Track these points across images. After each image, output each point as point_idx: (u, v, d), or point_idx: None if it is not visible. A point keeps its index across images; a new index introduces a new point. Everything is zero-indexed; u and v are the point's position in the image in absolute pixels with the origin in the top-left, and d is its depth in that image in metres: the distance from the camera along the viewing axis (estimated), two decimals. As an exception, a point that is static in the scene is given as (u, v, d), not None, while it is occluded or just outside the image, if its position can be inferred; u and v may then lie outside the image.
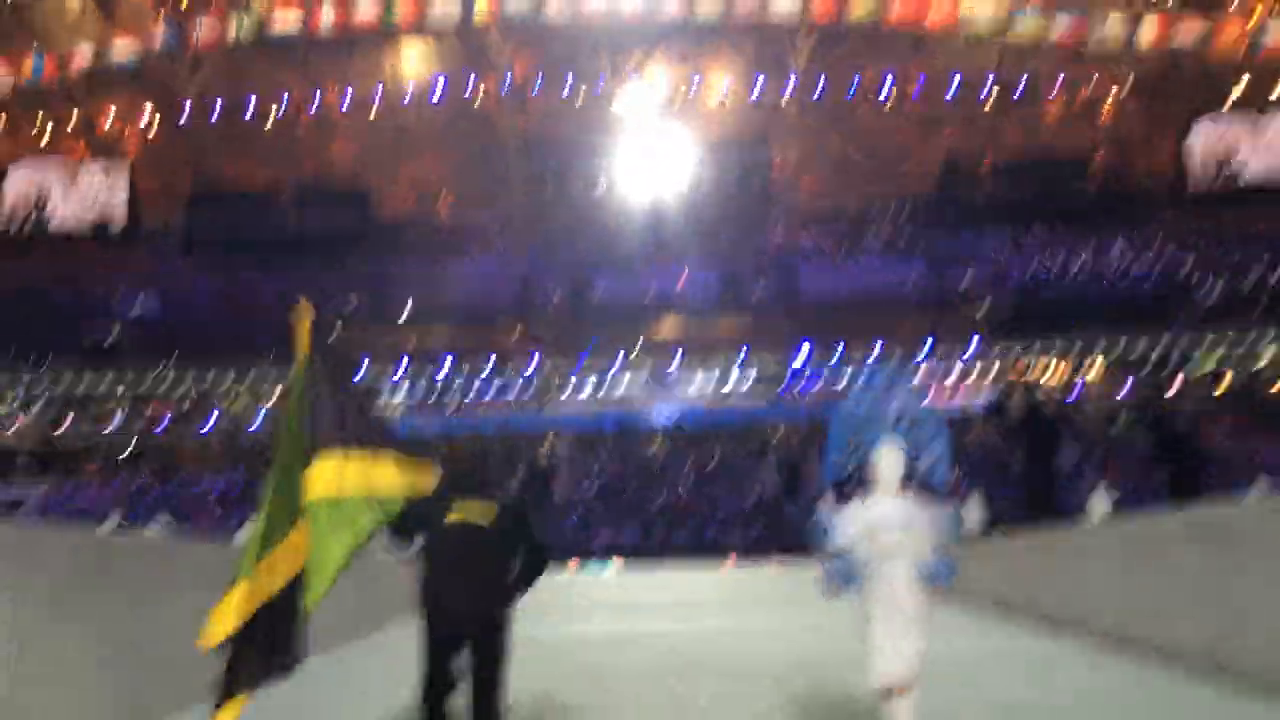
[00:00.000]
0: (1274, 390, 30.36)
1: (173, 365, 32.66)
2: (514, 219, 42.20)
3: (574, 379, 32.85)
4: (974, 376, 33.00)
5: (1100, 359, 32.79)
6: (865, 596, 4.36)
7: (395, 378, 32.83)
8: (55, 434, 31.90)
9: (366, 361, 30.71)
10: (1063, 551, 8.80)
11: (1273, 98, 38.95)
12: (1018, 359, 32.94)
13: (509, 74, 41.96)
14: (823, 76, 42.53)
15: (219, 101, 41.17)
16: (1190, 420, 27.80)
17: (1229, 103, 39.49)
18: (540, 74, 42.28)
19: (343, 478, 4.05)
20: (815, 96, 42.79)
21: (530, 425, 31.59)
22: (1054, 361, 33.08)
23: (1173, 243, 36.51)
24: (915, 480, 4.56)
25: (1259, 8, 37.82)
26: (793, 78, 42.63)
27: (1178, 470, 11.20)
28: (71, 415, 32.09)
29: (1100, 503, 13.58)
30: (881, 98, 42.84)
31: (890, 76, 42.58)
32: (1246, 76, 38.99)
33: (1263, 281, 33.51)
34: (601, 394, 32.65)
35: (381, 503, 4.14)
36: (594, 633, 9.21)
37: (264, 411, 31.72)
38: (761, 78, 43.07)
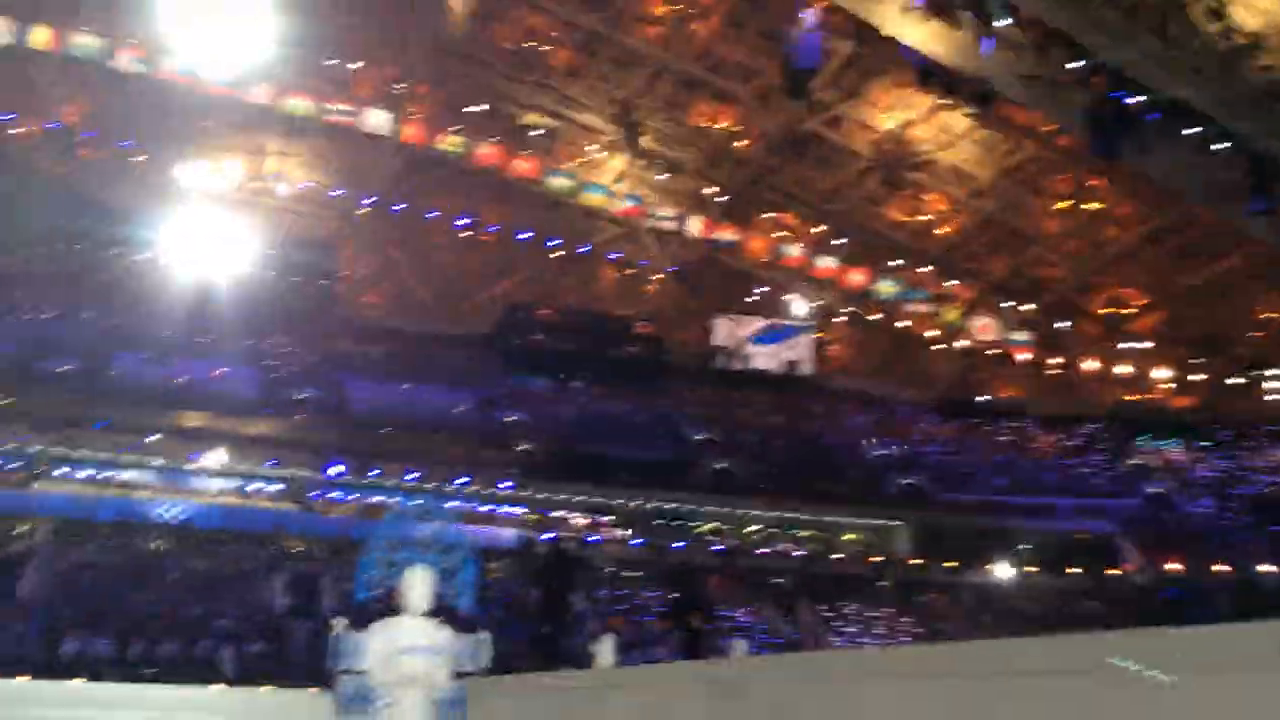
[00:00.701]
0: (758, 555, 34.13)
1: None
2: (36, 272, 37.46)
3: (71, 460, 29.15)
4: (505, 513, 33.91)
5: (619, 512, 35.03)
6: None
7: None
8: None
9: None
10: (576, 697, 9.02)
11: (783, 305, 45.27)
12: (549, 502, 34.30)
13: (57, 114, 37.92)
14: (403, 199, 43.06)
15: None
16: (692, 578, 30.64)
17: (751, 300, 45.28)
18: (96, 124, 38.66)
19: None
20: (393, 216, 43.13)
21: (8, 505, 27.37)
22: (581, 508, 34.85)
23: (694, 413, 40.63)
24: (443, 607, 4.48)
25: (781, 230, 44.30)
26: (372, 193, 42.72)
27: (682, 622, 12.02)
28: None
29: (606, 649, 14.00)
30: (457, 232, 44.12)
31: (468, 216, 44.10)
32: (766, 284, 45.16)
33: (758, 458, 38.13)
34: (102, 479, 29.20)
35: None
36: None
37: None
38: (343, 186, 42.71)
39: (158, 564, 26.22)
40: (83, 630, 22.43)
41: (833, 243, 43.10)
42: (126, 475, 29.27)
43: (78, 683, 19.09)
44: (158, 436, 30.09)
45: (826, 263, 43.25)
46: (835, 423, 42.13)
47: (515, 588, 26.87)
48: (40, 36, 35.00)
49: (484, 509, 33.55)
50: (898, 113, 38.64)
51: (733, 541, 34.84)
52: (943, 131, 38.80)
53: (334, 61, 38.78)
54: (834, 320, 45.85)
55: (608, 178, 43.19)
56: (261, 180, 41.54)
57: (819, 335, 45.53)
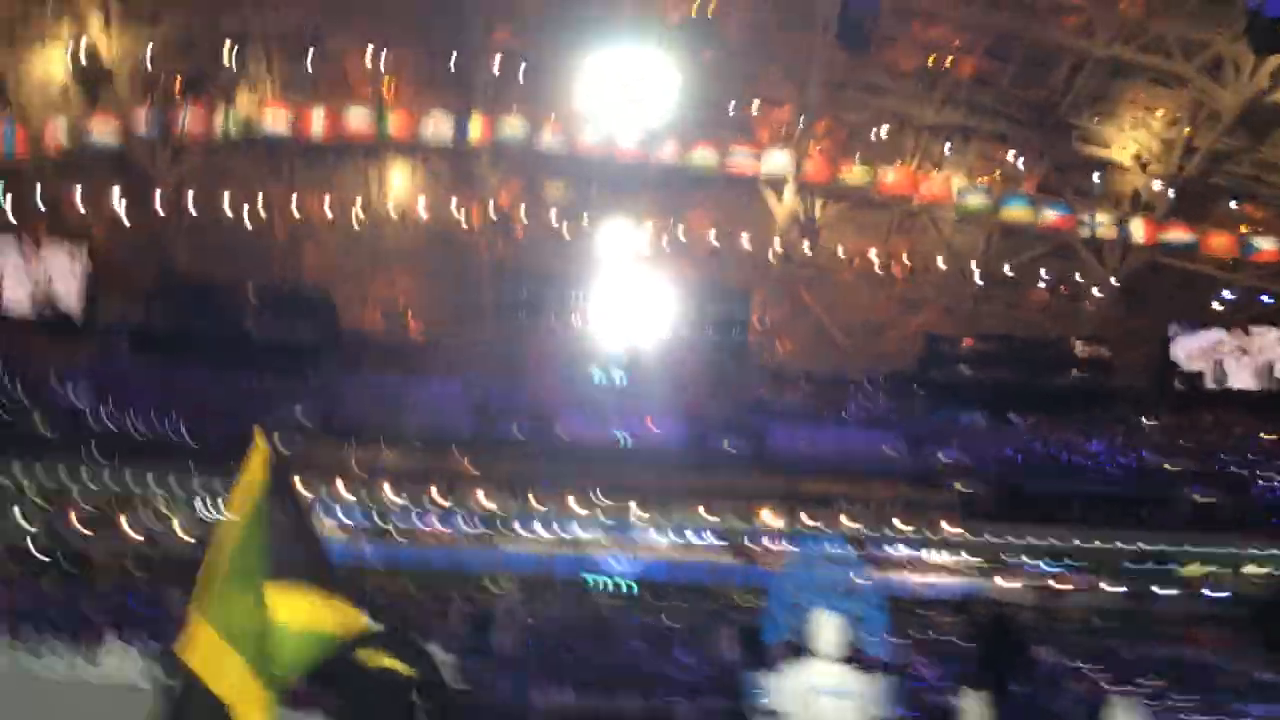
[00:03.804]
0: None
1: (104, 463, 30.23)
2: (482, 346, 40.84)
3: (525, 518, 30.86)
4: (945, 561, 31.51)
5: (1082, 555, 31.27)
6: None
7: (341, 499, 30.66)
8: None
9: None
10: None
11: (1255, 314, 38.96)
12: (992, 550, 31.40)
13: (494, 199, 41.31)
14: (810, 237, 42.33)
15: (193, 195, 39.95)
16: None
17: (1214, 311, 39.48)
18: (525, 202, 41.72)
19: (297, 610, 4.01)
20: (801, 257, 42.52)
21: (477, 563, 29.37)
22: (1037, 553, 31.49)
23: (1157, 441, 35.79)
24: (853, 651, 4.49)
25: (1244, 225, 38.23)
26: (777, 238, 42.39)
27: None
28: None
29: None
30: (867, 266, 42.60)
31: (876, 249, 42.50)
32: (1230, 288, 39.16)
33: (1245, 489, 32.62)
34: (555, 537, 30.60)
35: (320, 641, 4.03)
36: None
37: (183, 523, 29.29)
38: (749, 233, 42.82)
39: (613, 619, 26.71)
40: (549, 684, 23.07)
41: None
42: (579, 532, 30.44)
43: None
44: (603, 495, 31.11)
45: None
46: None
47: (958, 641, 24.45)
48: (476, 128, 38.24)
49: (923, 554, 31.45)
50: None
51: (1227, 585, 29.81)
52: None
53: (733, 110, 39.04)
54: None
55: (1029, 187, 39.69)
56: (671, 236, 42.56)
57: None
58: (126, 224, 40.13)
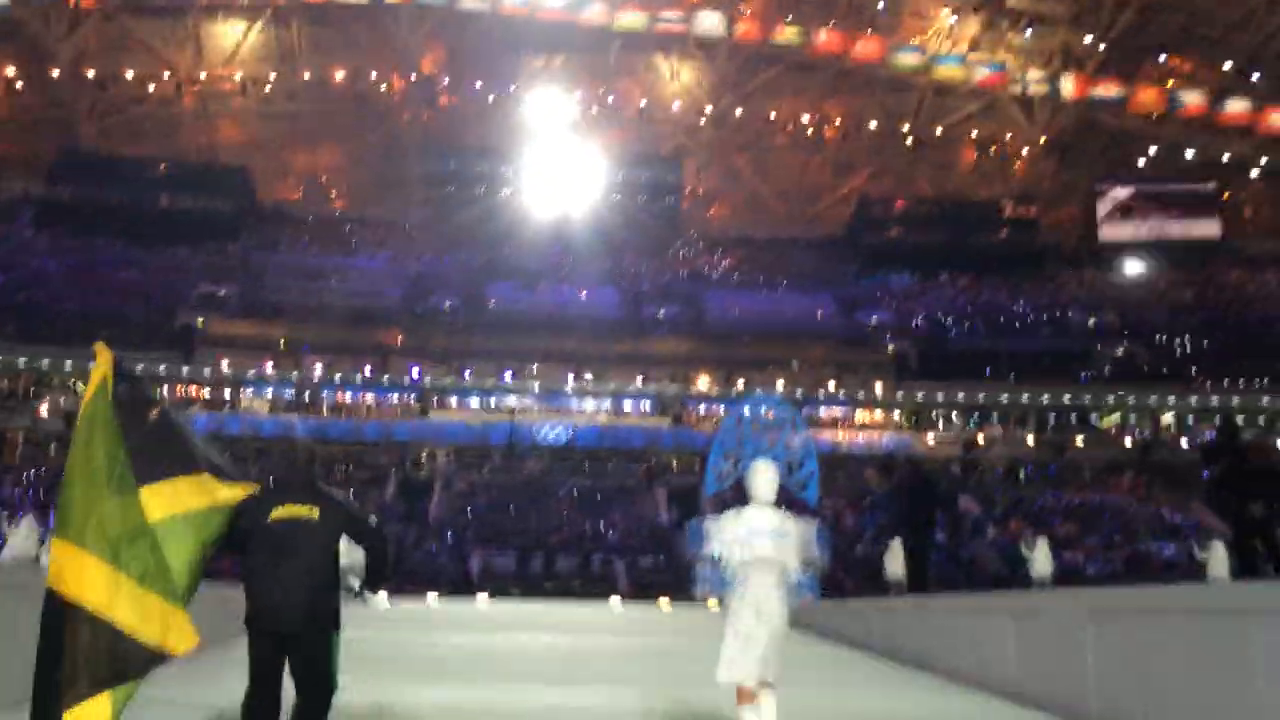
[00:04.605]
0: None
1: (10, 342, 29.15)
2: (410, 218, 39.88)
3: (460, 389, 30.62)
4: (875, 417, 32.08)
5: (1008, 410, 31.99)
6: (733, 600, 4.48)
7: (266, 374, 30.11)
8: None
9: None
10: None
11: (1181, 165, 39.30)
12: (917, 406, 31.98)
13: (417, 65, 39.74)
14: (742, 103, 41.55)
15: (93, 67, 37.83)
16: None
17: (1140, 165, 39.75)
18: (449, 70, 40.23)
19: (177, 496, 4.10)
20: (732, 122, 41.80)
21: (411, 433, 29.18)
22: (963, 408, 32.15)
23: (1077, 299, 36.34)
24: (788, 499, 4.70)
25: (1172, 78, 38.20)
26: (710, 101, 41.55)
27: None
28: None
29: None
30: (800, 131, 42.06)
31: (808, 113, 41.90)
32: (1156, 143, 39.38)
33: (1167, 341, 33.43)
34: (489, 406, 30.46)
35: (217, 512, 4.15)
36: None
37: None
38: (680, 100, 41.91)
39: (546, 483, 26.84)
40: (487, 547, 23.25)
41: (1245, 83, 36.48)
42: (510, 400, 30.29)
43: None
44: (532, 363, 30.89)
45: (1237, 107, 36.76)
46: (1260, 293, 36.03)
47: (883, 495, 25.04)
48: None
49: (853, 414, 31.99)
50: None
51: (1144, 434, 30.78)
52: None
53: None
54: (1251, 176, 39.17)
55: (962, 47, 39.16)
56: (602, 104, 41.47)
57: (1229, 194, 39.17)
58: (23, 96, 38.03)
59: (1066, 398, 31.03)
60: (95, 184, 36.68)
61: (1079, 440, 30.66)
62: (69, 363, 29.59)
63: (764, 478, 4.57)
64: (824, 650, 10.43)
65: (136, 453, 4.08)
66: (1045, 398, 30.96)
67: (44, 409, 28.14)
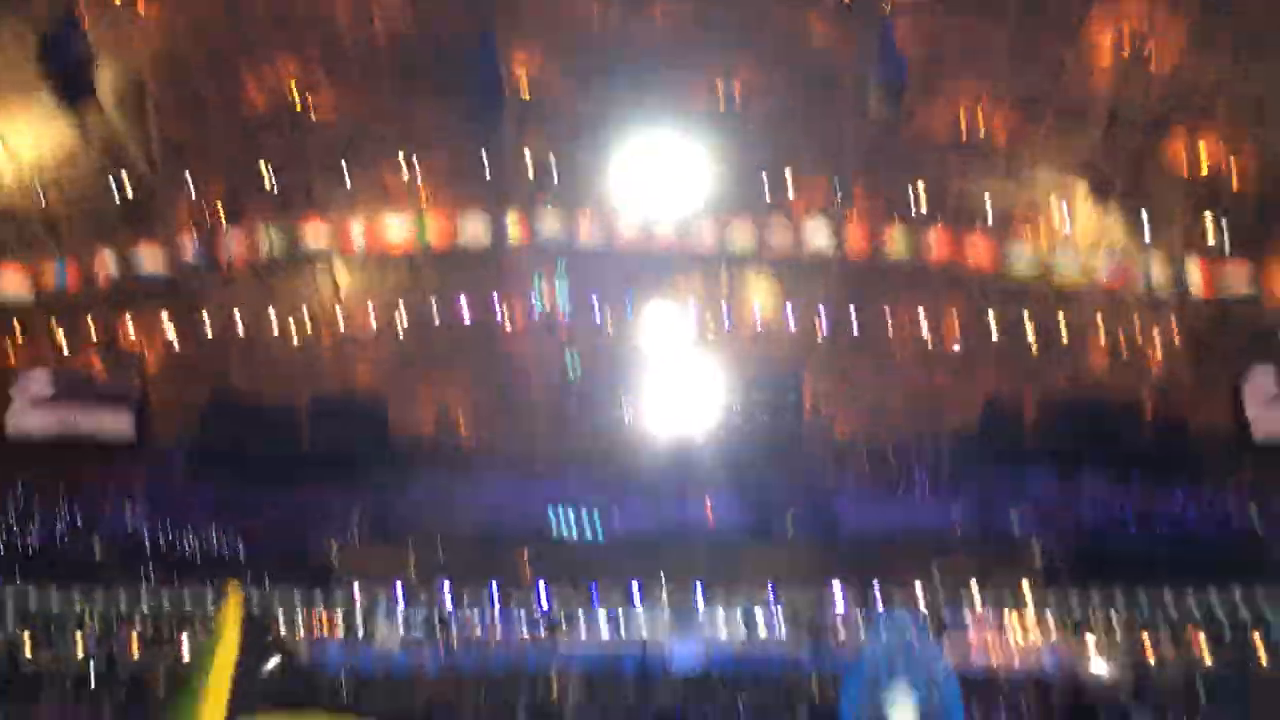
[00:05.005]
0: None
1: (158, 584, 30.10)
2: (535, 444, 40.42)
3: (587, 614, 29.95)
4: (1025, 631, 29.93)
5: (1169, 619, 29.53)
6: None
7: (395, 603, 30.10)
8: (18, 655, 28.90)
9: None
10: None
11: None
12: (1077, 612, 29.80)
13: (538, 297, 41.38)
14: (857, 313, 41.70)
15: (241, 315, 40.54)
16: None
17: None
18: (569, 298, 41.73)
19: None
20: (851, 333, 41.84)
21: (538, 662, 28.42)
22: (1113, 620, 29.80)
23: (1235, 493, 34.11)
24: None
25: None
26: (825, 313, 41.80)
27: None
28: (33, 636, 29.19)
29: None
30: (919, 336, 41.79)
31: (927, 316, 41.74)
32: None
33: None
34: (618, 632, 29.61)
35: None
36: None
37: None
38: (794, 311, 42.34)
39: (682, 712, 25.59)
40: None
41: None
42: (640, 623, 29.49)
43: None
44: (660, 584, 30.19)
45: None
46: None
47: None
48: (514, 228, 38.58)
49: (1004, 622, 29.92)
50: None
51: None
52: None
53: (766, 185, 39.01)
54: None
55: (1082, 246, 38.91)
56: (718, 321, 42.20)
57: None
58: (176, 347, 40.78)
59: (1243, 601, 28.51)
60: (240, 430, 38.55)
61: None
62: (210, 602, 30.17)
63: (905, 709, 4.33)
64: None
65: (248, 684, 4.05)
66: (1219, 603, 28.53)
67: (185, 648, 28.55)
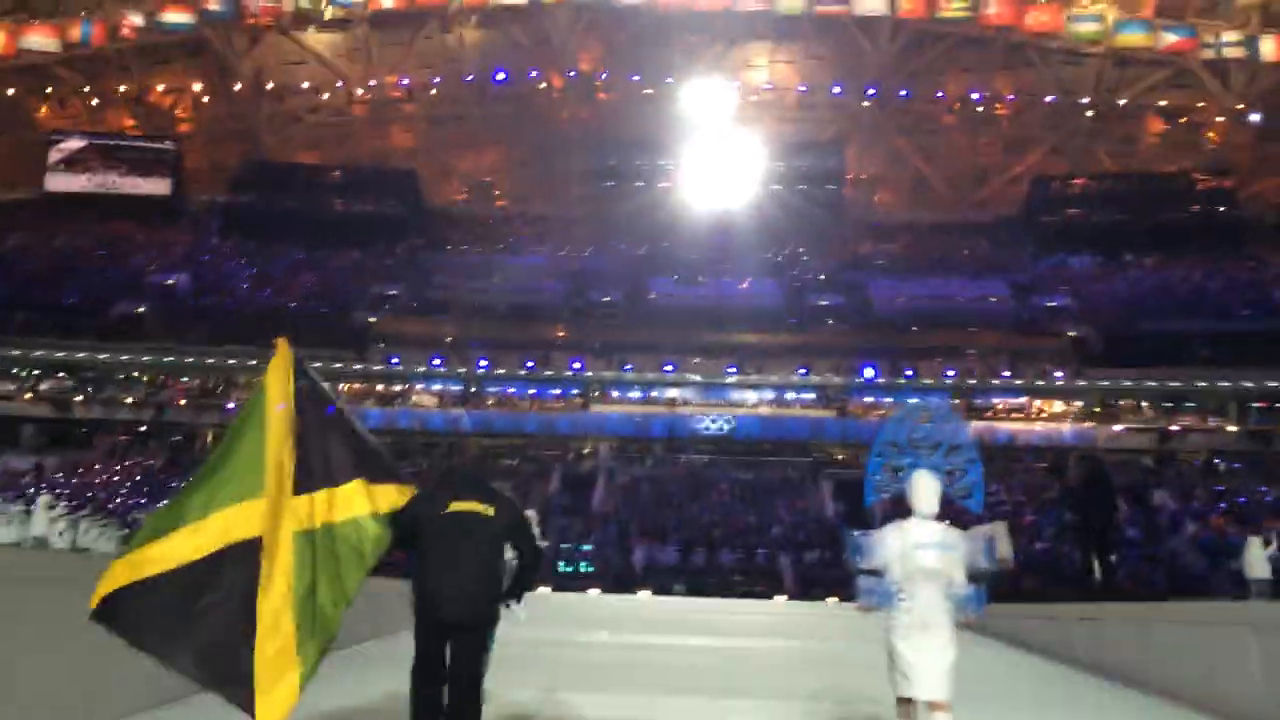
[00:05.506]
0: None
1: (200, 344, 30.80)
2: (570, 215, 40.09)
3: (620, 382, 30.53)
4: (1056, 408, 30.29)
5: (1205, 396, 29.66)
6: (896, 614, 4.35)
7: (434, 370, 30.79)
8: (71, 405, 30.15)
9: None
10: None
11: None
12: (1102, 395, 29.99)
13: (574, 63, 39.93)
14: (906, 84, 39.98)
15: (271, 80, 39.59)
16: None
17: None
18: (606, 65, 40.25)
19: (364, 499, 4.18)
20: (897, 103, 40.25)
21: (573, 426, 29.31)
22: (1152, 395, 29.93)
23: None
24: (950, 506, 4.53)
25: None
26: (873, 83, 40.08)
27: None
28: (89, 388, 30.34)
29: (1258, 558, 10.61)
30: (968, 108, 40.16)
31: (978, 90, 39.93)
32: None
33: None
34: (650, 399, 30.26)
35: (376, 521, 4.22)
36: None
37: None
38: (840, 81, 40.62)
39: (708, 476, 26.45)
40: (649, 540, 23.03)
41: None
42: (671, 393, 30.02)
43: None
44: (693, 356, 30.52)
45: None
46: None
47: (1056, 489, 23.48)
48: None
49: (1030, 404, 30.28)
50: None
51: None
52: None
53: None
54: None
55: (1145, 11, 36.55)
56: (760, 91, 40.70)
57: None
58: (208, 109, 40.22)
59: (1274, 383, 28.48)
60: (275, 192, 38.39)
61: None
62: (253, 362, 30.98)
63: (925, 490, 4.43)
64: (1014, 660, 9.60)
65: (304, 459, 4.16)
66: (1249, 383, 28.53)
67: (231, 406, 29.59)
